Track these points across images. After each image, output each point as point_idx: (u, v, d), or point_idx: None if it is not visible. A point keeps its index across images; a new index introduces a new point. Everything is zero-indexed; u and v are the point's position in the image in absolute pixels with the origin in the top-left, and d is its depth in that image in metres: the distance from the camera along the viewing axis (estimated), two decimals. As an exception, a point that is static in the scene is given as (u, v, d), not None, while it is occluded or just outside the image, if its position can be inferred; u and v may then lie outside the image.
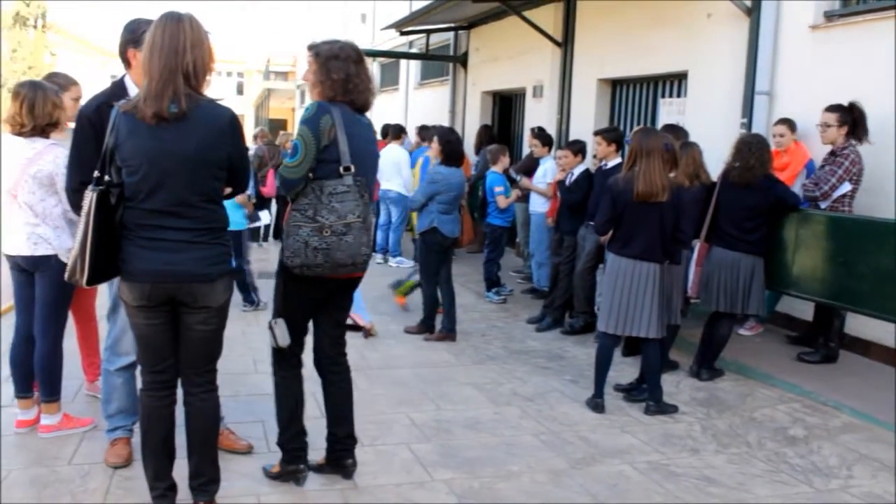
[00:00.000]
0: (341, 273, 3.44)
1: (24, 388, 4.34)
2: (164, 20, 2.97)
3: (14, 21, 46.82)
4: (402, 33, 14.42)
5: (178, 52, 2.92)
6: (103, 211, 2.94)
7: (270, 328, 3.54)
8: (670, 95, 8.79)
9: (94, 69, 52.16)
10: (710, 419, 4.95)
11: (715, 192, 5.57)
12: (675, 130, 5.94)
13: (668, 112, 8.59)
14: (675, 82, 8.71)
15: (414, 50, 16.15)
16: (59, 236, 4.14)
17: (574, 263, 6.96)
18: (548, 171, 8.19)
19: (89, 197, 2.92)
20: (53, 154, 4.05)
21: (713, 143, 6.57)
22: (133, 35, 3.58)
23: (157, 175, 2.94)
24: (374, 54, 15.43)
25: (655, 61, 8.59)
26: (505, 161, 8.10)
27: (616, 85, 9.81)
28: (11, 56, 46.03)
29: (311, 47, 3.56)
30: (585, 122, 9.85)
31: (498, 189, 7.90)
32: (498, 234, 8.20)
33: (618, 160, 6.53)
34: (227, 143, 3.06)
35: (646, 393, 5.12)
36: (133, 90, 3.60)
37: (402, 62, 16.99)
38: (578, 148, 7.12)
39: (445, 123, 13.16)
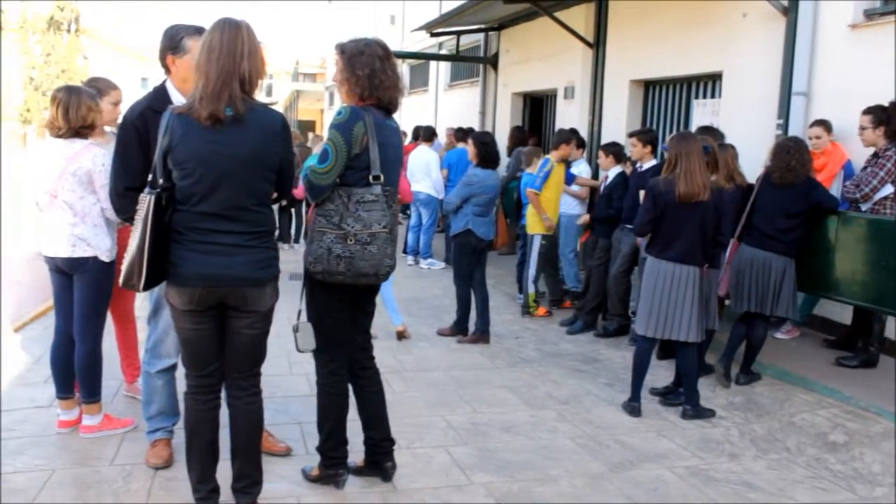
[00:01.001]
0: (362, 282, 3.43)
1: (64, 389, 4.40)
2: (222, 24, 2.99)
3: (48, 25, 47.63)
4: (433, 35, 14.42)
5: (235, 57, 2.94)
6: (158, 214, 2.95)
7: (294, 332, 3.52)
8: (704, 96, 8.72)
9: (127, 72, 52.82)
10: (748, 424, 4.90)
11: (753, 194, 5.52)
12: (711, 132, 5.89)
13: (702, 113, 8.53)
14: (709, 83, 8.64)
15: (444, 51, 16.16)
16: (97, 234, 4.18)
17: (608, 266, 6.93)
18: (582, 174, 8.19)
19: (146, 200, 2.93)
20: (91, 153, 4.12)
21: (748, 145, 6.51)
22: (172, 42, 3.62)
23: (212, 178, 2.95)
24: (404, 56, 15.46)
25: (689, 62, 8.52)
26: (538, 163, 8.06)
27: (649, 86, 9.75)
28: (45, 60, 46.83)
29: (338, 46, 3.55)
30: (618, 123, 9.81)
31: (531, 191, 7.87)
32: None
33: (653, 162, 6.49)
34: (278, 147, 3.08)
35: (682, 397, 5.08)
36: (175, 95, 3.63)
37: (432, 63, 17.01)
38: (613, 150, 7.08)
39: (475, 125, 13.16)
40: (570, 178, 7.93)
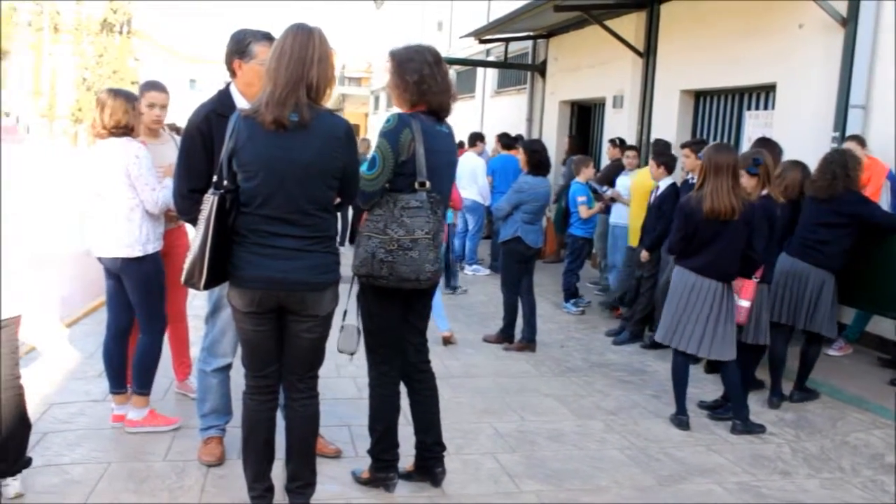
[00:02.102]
0: (405, 286, 3.46)
1: (117, 385, 4.49)
2: (295, 30, 3.03)
3: (101, 27, 48.74)
4: (481, 41, 14.44)
5: (304, 64, 2.97)
6: (222, 215, 2.99)
7: (341, 330, 3.58)
8: (757, 108, 8.62)
9: (176, 74, 53.76)
10: (800, 441, 4.82)
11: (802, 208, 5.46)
12: (769, 145, 5.80)
13: (754, 125, 8.42)
14: (762, 94, 8.54)
15: (491, 58, 16.16)
16: (131, 230, 4.23)
17: (657, 277, 6.87)
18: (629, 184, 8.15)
19: (210, 201, 2.97)
20: (124, 147, 4.22)
21: (801, 158, 6.40)
22: (239, 46, 3.67)
23: (274, 181, 2.98)
24: (452, 62, 15.48)
25: (742, 73, 8.43)
26: (588, 172, 8.05)
27: (700, 96, 9.67)
28: (98, 61, 47.96)
29: (390, 52, 3.59)
30: (667, 133, 9.71)
31: (581, 199, 7.85)
32: (579, 245, 8.14)
33: (705, 173, 6.41)
34: (342, 153, 3.10)
35: (731, 411, 5.01)
36: (238, 99, 3.69)
37: (479, 70, 17.03)
38: (664, 160, 7.02)
39: (522, 132, 13.14)
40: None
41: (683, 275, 4.88)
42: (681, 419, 4.96)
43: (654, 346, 6.78)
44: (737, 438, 4.81)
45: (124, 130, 4.26)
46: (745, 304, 4.96)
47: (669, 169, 6.99)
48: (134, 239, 4.24)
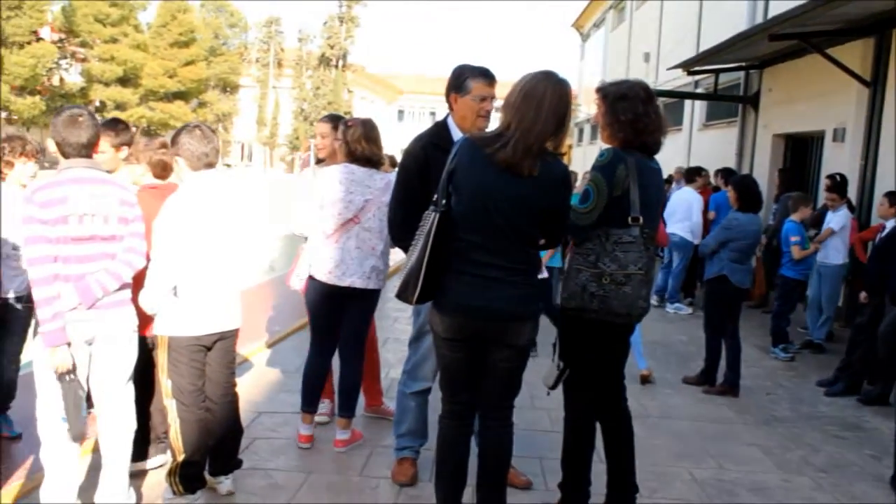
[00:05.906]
0: (616, 321, 3.41)
1: (309, 403, 4.59)
2: (554, 81, 3.05)
3: (319, 62, 52.41)
4: (689, 73, 14.04)
5: (558, 119, 3.01)
6: (440, 232, 3.04)
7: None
8: None
9: (384, 104, 56.53)
10: None
11: None
12: None
13: None
14: None
15: (700, 89, 15.67)
16: (377, 265, 4.42)
17: (879, 324, 6.32)
18: (841, 220, 7.63)
19: (431, 217, 3.05)
20: (386, 183, 4.38)
21: None
22: (456, 81, 3.78)
23: (480, 209, 3.02)
24: (659, 94, 15.04)
25: None
26: (806, 211, 7.59)
27: (936, 130, 8.84)
28: (315, 93, 51.56)
29: (600, 89, 3.58)
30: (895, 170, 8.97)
31: (794, 239, 7.41)
32: (790, 287, 7.67)
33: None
34: (555, 196, 3.11)
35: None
36: (454, 131, 3.81)
37: (687, 102, 16.56)
38: (897, 199, 6.50)
39: (732, 166, 12.61)
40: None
41: None
42: (902, 485, 4.52)
43: (874, 400, 6.25)
44: (972, 512, 4.31)
45: (380, 161, 4.47)
46: None
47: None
48: (383, 273, 4.47)
